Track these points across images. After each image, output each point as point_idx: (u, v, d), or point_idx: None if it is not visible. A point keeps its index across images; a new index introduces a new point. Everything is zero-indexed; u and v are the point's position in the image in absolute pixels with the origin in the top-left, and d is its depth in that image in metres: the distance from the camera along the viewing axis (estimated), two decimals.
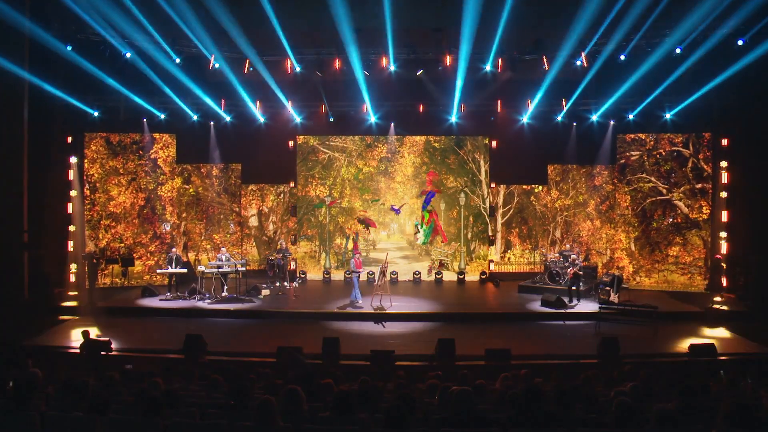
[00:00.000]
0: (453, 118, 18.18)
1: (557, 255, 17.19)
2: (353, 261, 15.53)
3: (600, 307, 13.56)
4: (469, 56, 15.17)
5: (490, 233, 19.46)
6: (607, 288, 15.27)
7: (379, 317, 13.88)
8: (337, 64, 15.90)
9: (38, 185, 15.81)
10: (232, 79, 16.30)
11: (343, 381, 7.39)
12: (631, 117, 17.44)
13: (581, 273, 15.63)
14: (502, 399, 5.92)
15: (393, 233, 20.42)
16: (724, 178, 17.00)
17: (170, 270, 15.79)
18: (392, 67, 15.85)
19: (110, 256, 17.76)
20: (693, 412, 5.18)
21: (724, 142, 17.02)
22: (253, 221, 20.22)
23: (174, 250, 16.44)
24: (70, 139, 17.38)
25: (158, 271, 16.91)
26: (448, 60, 15.68)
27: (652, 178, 18.13)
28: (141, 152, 18.44)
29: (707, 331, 13.02)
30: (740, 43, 14.23)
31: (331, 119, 18.28)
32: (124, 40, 15.05)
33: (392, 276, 18.67)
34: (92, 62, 15.14)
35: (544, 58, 15.58)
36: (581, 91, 16.62)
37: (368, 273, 18.89)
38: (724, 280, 16.36)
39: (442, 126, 18.56)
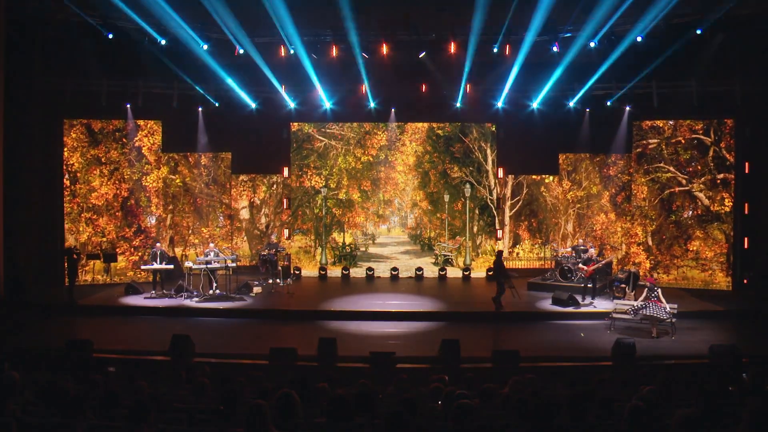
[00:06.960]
0: (457, 104, 18.08)
1: (569, 250, 17.15)
2: None
3: (615, 306, 13.55)
4: (476, 38, 15.06)
5: (497, 227, 19.41)
6: (623, 285, 15.25)
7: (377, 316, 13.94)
8: (334, 47, 15.83)
9: (15, 175, 15.74)
10: (222, 62, 16.20)
11: (341, 384, 7.37)
12: (647, 102, 17.30)
13: (601, 266, 15.53)
14: (510, 405, 5.91)
15: (393, 227, 20.40)
16: (747, 167, 16.90)
17: (155, 266, 15.74)
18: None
19: (91, 251, 17.73)
20: (714, 417, 5.16)
21: (748, 129, 16.91)
22: (244, 214, 20.21)
23: (159, 245, 16.39)
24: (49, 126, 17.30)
25: (142, 267, 16.86)
26: (452, 43, 15.57)
27: (671, 168, 18.05)
28: (124, 140, 18.36)
29: (729, 330, 13.01)
30: None
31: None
32: (107, 21, 14.96)
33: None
34: (73, 43, 15.02)
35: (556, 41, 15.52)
36: (596, 74, 16.49)
37: (367, 269, 18.90)
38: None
39: (445, 112, 18.45)
